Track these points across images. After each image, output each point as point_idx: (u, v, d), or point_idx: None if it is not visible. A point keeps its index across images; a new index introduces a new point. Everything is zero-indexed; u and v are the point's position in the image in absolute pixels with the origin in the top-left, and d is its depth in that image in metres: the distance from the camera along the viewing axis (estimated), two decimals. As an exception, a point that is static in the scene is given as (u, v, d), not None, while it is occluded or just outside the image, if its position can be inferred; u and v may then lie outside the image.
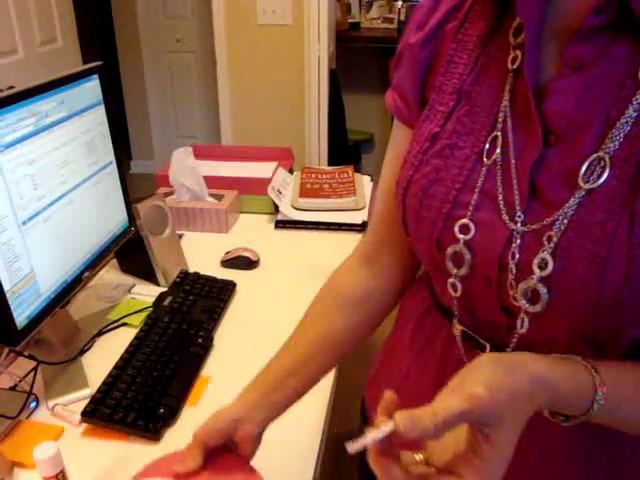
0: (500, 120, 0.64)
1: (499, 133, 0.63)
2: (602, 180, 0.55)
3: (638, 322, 0.57)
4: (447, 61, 0.69)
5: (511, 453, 0.50)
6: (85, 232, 1.20)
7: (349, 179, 1.88)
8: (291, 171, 1.97)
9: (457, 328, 0.72)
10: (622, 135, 0.55)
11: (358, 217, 1.72)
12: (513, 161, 0.62)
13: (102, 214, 1.26)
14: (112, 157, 1.29)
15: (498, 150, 0.63)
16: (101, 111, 1.23)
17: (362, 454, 0.53)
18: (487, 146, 0.64)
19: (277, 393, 0.79)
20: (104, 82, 1.23)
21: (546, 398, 0.54)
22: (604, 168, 0.56)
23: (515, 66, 0.63)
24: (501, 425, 0.49)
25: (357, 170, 2.00)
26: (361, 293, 0.84)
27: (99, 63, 1.22)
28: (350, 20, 4.42)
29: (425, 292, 0.82)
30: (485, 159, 0.64)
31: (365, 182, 1.94)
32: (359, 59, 4.39)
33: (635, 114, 0.55)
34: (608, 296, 0.55)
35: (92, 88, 1.20)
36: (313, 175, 1.92)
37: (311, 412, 1.05)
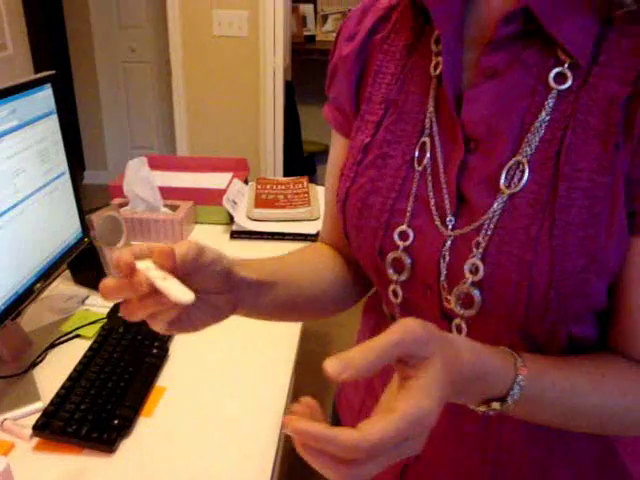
0: (427, 126, 0.65)
1: (427, 139, 0.65)
2: (522, 184, 0.57)
3: (569, 320, 0.60)
4: (375, 72, 0.71)
5: (440, 399, 0.46)
6: (37, 243, 1.18)
7: (304, 190, 1.90)
8: (246, 182, 1.98)
9: None
10: (538, 139, 0.57)
11: (312, 227, 1.74)
12: (441, 167, 0.63)
13: (55, 224, 1.25)
14: (65, 167, 1.27)
15: (427, 156, 0.65)
16: (54, 120, 1.22)
17: None
18: (417, 153, 0.65)
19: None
20: (57, 91, 1.22)
21: (471, 362, 0.52)
22: (523, 172, 0.57)
23: (437, 72, 0.64)
24: (431, 359, 0.46)
25: (312, 181, 2.02)
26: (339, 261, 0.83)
27: (52, 72, 1.21)
28: (306, 33, 4.47)
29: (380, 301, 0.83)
30: (416, 165, 0.65)
31: (320, 193, 1.96)
32: (315, 71, 4.43)
33: (548, 117, 0.57)
34: (537, 298, 0.57)
35: (45, 97, 1.19)
36: (268, 186, 1.93)
37: (266, 421, 1.05)
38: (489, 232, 0.58)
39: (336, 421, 0.93)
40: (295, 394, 1.20)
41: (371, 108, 0.70)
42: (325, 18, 4.50)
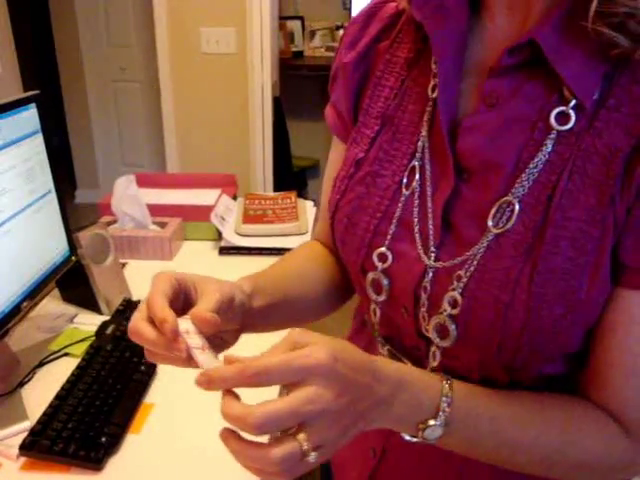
0: (419, 150, 0.64)
1: (417, 163, 0.63)
2: (509, 225, 0.56)
3: (541, 360, 0.59)
4: (374, 83, 0.69)
5: (337, 389, 0.47)
6: (24, 261, 1.19)
7: (292, 204, 1.91)
8: (235, 198, 1.99)
9: (383, 348, 0.73)
10: (531, 180, 0.55)
11: (301, 242, 1.73)
12: (429, 194, 0.62)
13: (42, 243, 1.25)
14: (51, 186, 1.28)
15: (416, 180, 0.63)
16: (39, 140, 1.23)
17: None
18: (405, 176, 0.64)
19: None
20: (42, 111, 1.23)
21: (393, 369, 0.53)
22: (512, 212, 0.56)
23: (434, 95, 0.63)
24: (325, 389, 0.47)
25: (303, 196, 2.03)
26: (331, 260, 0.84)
27: (36, 92, 1.22)
28: (294, 49, 4.49)
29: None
30: (404, 189, 0.64)
31: (308, 207, 1.97)
32: (303, 87, 4.46)
33: (545, 159, 0.55)
34: (509, 339, 0.56)
35: (29, 117, 1.19)
36: (256, 201, 1.93)
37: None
38: (472, 268, 0.58)
39: None
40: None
41: (368, 121, 0.69)
42: (313, 34, 4.53)
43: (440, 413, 0.55)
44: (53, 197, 1.29)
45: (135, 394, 1.12)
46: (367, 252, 0.66)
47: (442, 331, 0.61)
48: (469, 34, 0.62)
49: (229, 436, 0.49)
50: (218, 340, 0.63)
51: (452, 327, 0.59)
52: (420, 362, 0.67)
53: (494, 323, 0.56)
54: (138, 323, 0.55)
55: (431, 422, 0.55)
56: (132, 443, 1.03)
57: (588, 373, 0.61)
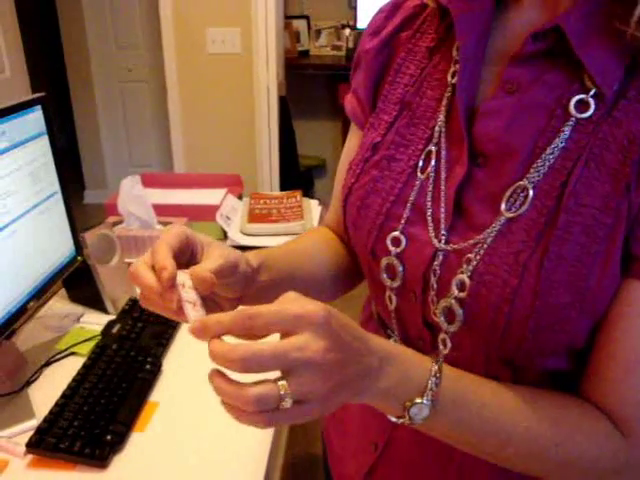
0: (436, 135, 0.64)
1: (433, 148, 0.64)
2: (522, 210, 0.56)
3: (545, 353, 0.58)
4: (395, 70, 0.70)
5: (328, 345, 0.47)
6: (30, 262, 1.20)
7: (297, 204, 1.91)
8: (240, 197, 2.00)
9: (391, 340, 0.73)
10: (547, 166, 0.56)
11: (307, 240, 1.75)
12: (443, 177, 0.63)
13: (48, 244, 1.26)
14: (57, 187, 1.29)
15: (432, 165, 0.64)
16: (45, 142, 1.24)
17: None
18: (421, 160, 0.65)
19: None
20: (48, 113, 1.24)
21: (378, 364, 0.52)
22: (526, 198, 0.56)
23: (454, 81, 0.64)
24: (317, 341, 0.47)
25: (310, 195, 2.04)
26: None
27: (42, 94, 1.24)
28: (299, 48, 4.50)
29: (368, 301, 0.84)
30: (419, 173, 0.65)
31: (313, 206, 1.98)
32: (309, 86, 4.47)
33: (562, 145, 0.55)
34: (515, 325, 0.56)
35: (35, 119, 1.21)
36: (262, 201, 1.94)
37: (257, 435, 1.06)
38: (481, 251, 0.58)
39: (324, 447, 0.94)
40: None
41: (386, 107, 0.70)
42: (318, 33, 4.54)
43: (428, 391, 0.54)
44: (59, 198, 1.30)
45: (140, 393, 1.13)
46: (378, 235, 0.66)
47: (449, 315, 0.61)
48: (493, 22, 0.62)
49: (215, 374, 0.49)
50: (213, 304, 0.64)
51: (459, 311, 0.59)
52: (425, 355, 0.68)
53: (501, 307, 0.56)
54: (139, 266, 0.56)
55: (418, 400, 0.54)
56: (137, 441, 1.04)
57: (589, 367, 0.60)
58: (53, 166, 1.27)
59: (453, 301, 0.60)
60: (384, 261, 0.66)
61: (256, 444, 1.04)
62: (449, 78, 0.65)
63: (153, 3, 3.48)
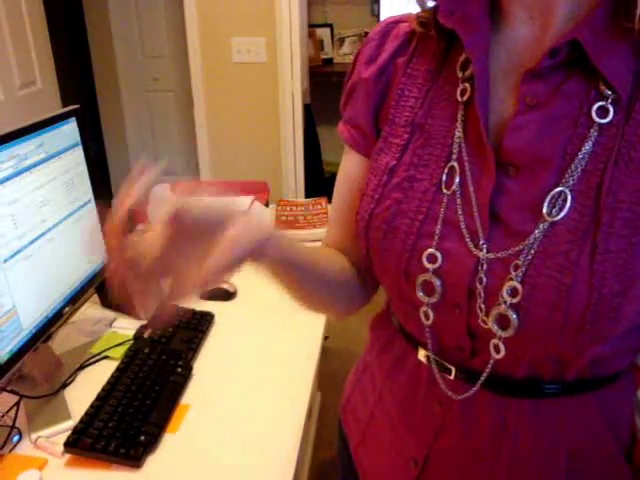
0: (455, 151, 0.66)
1: (455, 163, 0.66)
2: (564, 213, 0.59)
3: (597, 341, 0.60)
4: (398, 94, 0.72)
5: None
6: (65, 268, 1.24)
7: (323, 210, 1.94)
8: (267, 204, 2.03)
9: (422, 354, 0.74)
10: (580, 170, 0.59)
11: (332, 246, 1.77)
12: (472, 190, 0.64)
13: (82, 251, 1.30)
14: (91, 195, 1.33)
15: (457, 180, 0.65)
16: (79, 152, 1.28)
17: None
18: (444, 177, 0.66)
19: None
20: (81, 124, 1.28)
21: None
22: (565, 202, 0.59)
23: (465, 98, 0.66)
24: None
25: (333, 201, 2.05)
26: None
27: (76, 107, 1.28)
28: (323, 56, 4.53)
29: (390, 318, 0.84)
30: (444, 189, 0.66)
31: (339, 212, 1.99)
32: (333, 93, 4.46)
33: (591, 150, 0.59)
34: (572, 320, 0.58)
35: (70, 130, 1.25)
36: (288, 207, 1.97)
37: (286, 437, 1.08)
38: (529, 256, 0.60)
39: (342, 437, 0.94)
40: (321, 413, 1.22)
41: (395, 130, 0.71)
42: (342, 41, 4.56)
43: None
44: (93, 206, 1.34)
45: (172, 395, 1.16)
46: (411, 255, 0.67)
47: (502, 321, 0.62)
48: (492, 40, 0.65)
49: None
50: None
51: (513, 316, 0.61)
52: (463, 364, 0.69)
53: (557, 305, 0.58)
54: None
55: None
56: (169, 442, 1.07)
57: None
58: (87, 176, 1.31)
59: (506, 308, 0.61)
60: (420, 278, 0.67)
61: (286, 444, 1.07)
62: (458, 97, 0.67)
63: (179, 13, 3.54)
